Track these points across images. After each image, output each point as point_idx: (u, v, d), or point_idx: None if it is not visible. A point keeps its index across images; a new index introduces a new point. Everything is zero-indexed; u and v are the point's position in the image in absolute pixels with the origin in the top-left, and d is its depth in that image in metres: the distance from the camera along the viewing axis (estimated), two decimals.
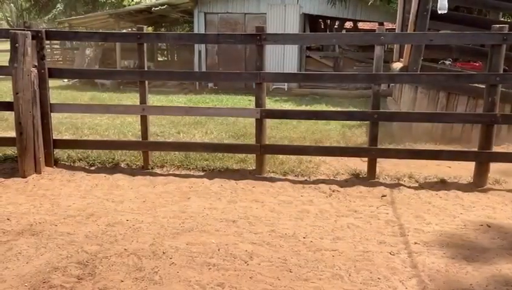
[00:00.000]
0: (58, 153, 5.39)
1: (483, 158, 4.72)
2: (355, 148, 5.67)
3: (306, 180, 4.91)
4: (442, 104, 6.83)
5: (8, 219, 3.68)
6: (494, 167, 4.86)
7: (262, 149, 5.01)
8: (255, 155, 5.10)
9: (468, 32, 5.51)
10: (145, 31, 5.11)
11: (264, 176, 4.99)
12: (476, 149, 4.83)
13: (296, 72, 13.92)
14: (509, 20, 9.88)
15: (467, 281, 2.84)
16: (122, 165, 5.31)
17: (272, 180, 4.85)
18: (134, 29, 19.48)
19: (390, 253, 3.19)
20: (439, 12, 6.62)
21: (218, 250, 3.18)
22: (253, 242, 3.32)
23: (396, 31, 9.63)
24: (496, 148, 5.07)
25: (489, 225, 3.68)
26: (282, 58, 14.66)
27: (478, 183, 4.70)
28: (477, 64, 9.60)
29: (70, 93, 12.41)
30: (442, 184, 4.76)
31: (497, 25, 4.63)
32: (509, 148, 6.14)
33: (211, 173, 5.06)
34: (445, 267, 3.00)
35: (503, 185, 4.72)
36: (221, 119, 7.74)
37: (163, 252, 3.13)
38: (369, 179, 4.86)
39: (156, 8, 15.79)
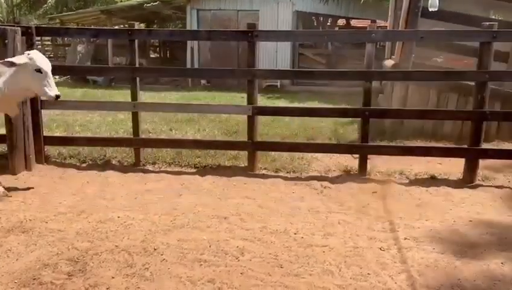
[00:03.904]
0: (49, 150, 5.36)
1: (472, 155, 4.77)
2: (347, 145, 5.70)
3: (298, 177, 4.93)
4: (433, 101, 6.88)
5: None
6: (483, 163, 4.91)
7: (254, 146, 5.02)
8: (247, 152, 5.11)
9: (459, 30, 5.56)
10: (136, 28, 5.09)
11: (256, 173, 5.00)
12: (466, 146, 4.88)
13: (288, 69, 13.94)
14: (500, 18, 9.95)
15: (455, 276, 2.87)
16: (113, 162, 5.30)
17: (263, 177, 4.87)
18: (126, 25, 19.35)
19: (380, 249, 3.21)
20: (430, 9, 6.67)
21: (210, 246, 3.19)
22: (245, 238, 3.33)
23: (388, 29, 9.68)
24: (485, 145, 5.12)
25: (478, 221, 3.73)
26: (274, 56, 14.67)
27: (468, 180, 4.75)
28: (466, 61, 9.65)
29: (61, 90, 12.11)
30: (432, 181, 4.80)
31: (487, 23, 4.68)
32: (499, 145, 6.21)
33: (203, 170, 5.06)
34: (435, 263, 3.03)
35: (492, 182, 4.77)
36: (213, 116, 7.73)
37: (155, 249, 3.13)
38: (360, 175, 4.89)
39: (148, 5, 15.72)
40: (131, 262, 2.95)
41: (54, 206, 3.91)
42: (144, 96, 8.30)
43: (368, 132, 4.89)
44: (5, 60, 3.92)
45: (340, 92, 11.88)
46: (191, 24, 15.38)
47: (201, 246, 3.19)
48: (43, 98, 4.14)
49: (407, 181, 4.80)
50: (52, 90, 3.97)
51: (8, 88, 4.01)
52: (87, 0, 23.38)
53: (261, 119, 5.97)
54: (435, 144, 6.25)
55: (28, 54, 3.99)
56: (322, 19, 17.03)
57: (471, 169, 4.76)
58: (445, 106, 6.80)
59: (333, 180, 4.74)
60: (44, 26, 13.03)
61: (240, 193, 4.35)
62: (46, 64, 3.96)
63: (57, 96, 3.99)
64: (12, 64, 3.88)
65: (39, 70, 3.91)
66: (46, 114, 5.40)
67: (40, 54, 4.04)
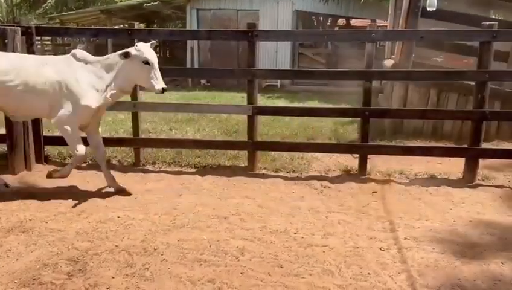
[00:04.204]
0: (49, 150, 5.36)
1: (472, 155, 4.76)
2: (347, 144, 5.70)
3: (298, 176, 4.93)
4: (433, 101, 6.88)
5: None
6: (483, 163, 4.91)
7: (254, 146, 5.02)
8: (247, 152, 5.11)
9: (459, 30, 5.55)
10: (136, 28, 5.09)
11: (256, 172, 5.00)
12: (465, 146, 4.88)
13: (288, 69, 13.94)
14: (499, 18, 9.96)
15: (455, 275, 2.87)
16: (113, 162, 5.30)
17: (263, 176, 4.87)
18: (126, 25, 19.34)
19: (380, 248, 3.21)
20: (428, 9, 6.67)
21: (210, 246, 3.19)
22: (245, 238, 3.33)
23: (388, 28, 9.67)
24: (485, 145, 5.12)
25: (478, 221, 3.73)
26: (274, 55, 14.67)
27: (468, 179, 4.74)
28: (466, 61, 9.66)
29: None
30: (432, 180, 4.80)
31: (487, 22, 4.68)
32: (499, 145, 6.21)
33: (203, 170, 5.06)
34: (435, 263, 3.03)
35: (492, 181, 4.77)
36: (213, 116, 7.73)
37: (155, 249, 3.13)
38: (360, 175, 4.89)
39: (148, 4, 15.71)
40: (131, 262, 2.95)
41: (53, 206, 3.91)
42: (144, 96, 8.31)
43: (367, 131, 4.88)
44: (121, 51, 3.91)
45: (340, 91, 11.88)
46: (191, 24, 15.37)
47: (201, 246, 3.19)
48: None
49: (407, 181, 4.80)
50: (159, 83, 3.92)
51: (116, 82, 3.98)
52: (87, 0, 23.38)
53: (261, 119, 5.97)
54: (435, 143, 6.25)
55: (136, 46, 3.93)
56: (322, 19, 17.03)
57: (471, 169, 4.76)
58: (445, 106, 6.80)
59: (333, 180, 4.74)
60: (44, 26, 13.00)
61: (240, 193, 4.35)
62: (153, 56, 3.92)
63: (163, 90, 3.93)
64: (127, 54, 3.85)
65: (147, 62, 3.87)
66: None
67: (147, 46, 3.98)
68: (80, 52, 4.14)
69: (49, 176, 4.27)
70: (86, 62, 4.05)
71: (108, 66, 4.01)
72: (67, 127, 3.98)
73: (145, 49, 3.91)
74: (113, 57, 4.02)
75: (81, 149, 4.04)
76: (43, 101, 3.96)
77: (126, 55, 3.86)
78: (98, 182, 4.58)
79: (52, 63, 4.06)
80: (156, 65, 3.93)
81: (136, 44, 3.99)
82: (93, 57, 4.13)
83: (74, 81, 3.94)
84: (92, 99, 3.96)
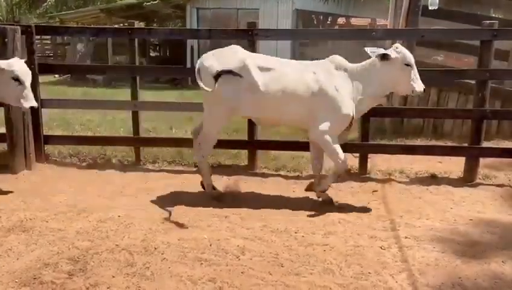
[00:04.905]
0: (49, 149, 5.36)
1: (473, 153, 4.76)
2: (347, 143, 5.68)
3: (298, 175, 4.92)
4: (433, 100, 6.87)
5: None
6: (484, 161, 4.91)
7: (254, 145, 5.01)
8: (247, 151, 5.10)
9: (459, 29, 5.53)
10: (136, 27, 5.08)
11: (256, 171, 5.00)
12: (466, 144, 4.87)
13: None
14: (500, 17, 9.95)
15: (456, 274, 2.87)
16: (113, 161, 5.30)
17: (264, 175, 4.87)
18: (126, 24, 19.30)
19: (381, 247, 3.21)
20: (430, 8, 6.66)
21: (210, 245, 3.18)
22: (245, 237, 3.32)
23: (389, 27, 9.65)
24: (486, 144, 5.12)
25: (479, 220, 3.72)
26: (275, 55, 14.61)
27: (468, 178, 4.74)
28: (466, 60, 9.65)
29: (61, 89, 12.31)
30: (432, 179, 4.79)
31: (488, 21, 4.67)
32: (499, 144, 6.20)
33: None
34: (435, 261, 3.02)
35: (493, 180, 4.77)
36: None
37: (155, 248, 3.13)
38: (361, 174, 4.89)
39: (148, 3, 15.70)
40: (132, 261, 2.95)
41: (54, 205, 3.90)
42: (144, 95, 8.30)
43: (368, 130, 4.88)
44: (379, 52, 3.71)
45: None
46: (191, 23, 15.37)
47: (202, 245, 3.19)
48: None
49: (407, 180, 4.79)
50: (419, 85, 3.71)
51: (370, 89, 3.80)
52: None
53: None
54: (435, 142, 6.25)
55: (396, 48, 3.74)
56: (322, 18, 17.04)
57: (471, 168, 4.76)
58: (446, 105, 6.80)
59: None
60: (44, 25, 13.01)
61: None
62: (412, 57, 3.74)
63: (424, 91, 3.75)
64: (386, 57, 3.67)
65: (408, 64, 3.69)
66: (45, 113, 5.39)
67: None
68: (337, 58, 3.99)
69: (309, 189, 4.16)
70: (344, 69, 3.91)
71: (364, 72, 3.84)
72: (328, 138, 3.82)
73: (404, 50, 3.73)
74: (370, 61, 3.83)
75: (344, 158, 3.90)
76: (299, 109, 3.83)
77: (385, 57, 3.68)
78: (99, 182, 4.59)
79: (311, 68, 3.93)
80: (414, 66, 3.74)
81: (396, 46, 3.79)
82: (350, 63, 3.97)
83: (334, 89, 3.79)
84: (351, 108, 3.79)
